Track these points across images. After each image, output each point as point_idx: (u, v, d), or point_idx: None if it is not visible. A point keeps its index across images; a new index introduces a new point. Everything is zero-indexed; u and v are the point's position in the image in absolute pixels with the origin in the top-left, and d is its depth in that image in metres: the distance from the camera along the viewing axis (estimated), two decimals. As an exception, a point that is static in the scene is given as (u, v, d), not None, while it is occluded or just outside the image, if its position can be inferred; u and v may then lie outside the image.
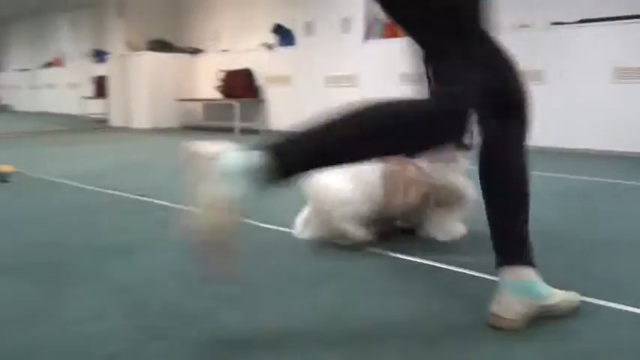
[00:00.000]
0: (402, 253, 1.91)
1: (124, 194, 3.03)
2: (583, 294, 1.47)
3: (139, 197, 2.95)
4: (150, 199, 2.89)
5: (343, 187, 1.95)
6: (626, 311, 1.41)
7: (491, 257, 1.37)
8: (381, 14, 6.39)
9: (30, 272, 1.73)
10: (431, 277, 1.68)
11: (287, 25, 7.47)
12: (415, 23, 1.26)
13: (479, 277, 1.67)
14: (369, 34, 6.52)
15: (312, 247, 2.00)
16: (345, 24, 6.67)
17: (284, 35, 7.51)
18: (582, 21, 5.15)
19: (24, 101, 13.72)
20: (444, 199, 2.06)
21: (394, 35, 6.29)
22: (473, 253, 1.90)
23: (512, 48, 1.43)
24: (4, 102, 14.46)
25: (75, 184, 3.37)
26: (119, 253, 1.93)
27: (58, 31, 11.92)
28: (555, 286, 1.37)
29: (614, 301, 1.47)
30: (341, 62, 6.78)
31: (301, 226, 2.12)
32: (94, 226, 2.33)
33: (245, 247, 1.84)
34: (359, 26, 6.55)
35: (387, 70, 6.29)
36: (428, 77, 1.29)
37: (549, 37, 5.24)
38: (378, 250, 1.95)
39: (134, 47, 8.89)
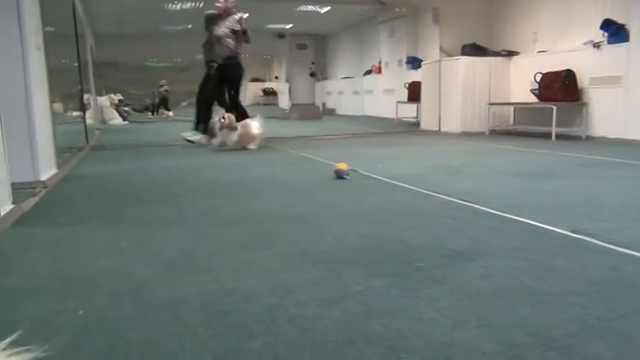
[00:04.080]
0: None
1: (448, 198, 3.12)
2: None
3: (464, 202, 2.99)
4: (474, 205, 2.90)
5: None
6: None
7: None
8: None
9: (379, 267, 1.90)
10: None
11: (619, 20, 6.66)
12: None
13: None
14: None
15: None
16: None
17: (614, 32, 6.71)
18: None
19: (346, 105, 15.38)
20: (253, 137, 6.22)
21: None
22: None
23: None
24: (329, 106, 16.47)
25: (402, 184, 3.60)
26: (461, 259, 1.97)
27: (377, 40, 12.97)
28: None
29: None
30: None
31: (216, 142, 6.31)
32: (429, 228, 2.45)
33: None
34: None
35: None
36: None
37: None
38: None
39: (448, 53, 9.13)
